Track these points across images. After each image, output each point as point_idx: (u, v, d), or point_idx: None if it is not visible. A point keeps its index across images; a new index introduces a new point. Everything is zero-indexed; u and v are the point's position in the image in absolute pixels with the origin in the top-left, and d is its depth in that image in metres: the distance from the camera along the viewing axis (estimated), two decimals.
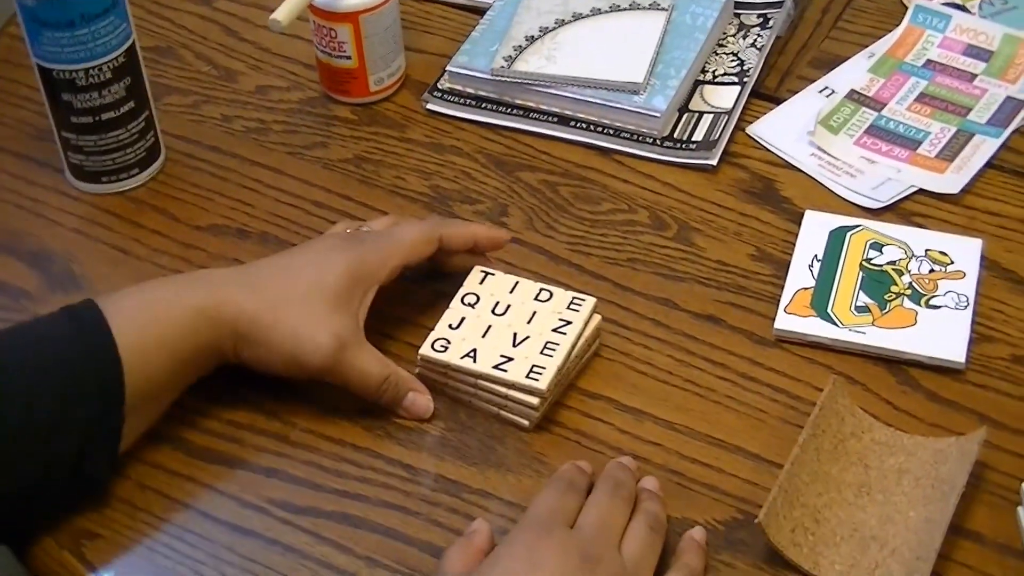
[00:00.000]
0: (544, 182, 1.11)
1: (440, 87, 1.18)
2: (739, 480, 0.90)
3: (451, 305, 0.96)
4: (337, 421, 0.94)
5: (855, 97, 1.15)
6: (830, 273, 1.01)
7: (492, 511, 0.89)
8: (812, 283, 1.01)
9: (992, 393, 0.95)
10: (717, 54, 1.19)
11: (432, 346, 0.94)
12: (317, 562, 0.87)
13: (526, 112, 1.15)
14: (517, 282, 0.98)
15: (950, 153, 1.10)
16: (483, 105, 1.16)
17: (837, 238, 1.04)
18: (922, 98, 1.15)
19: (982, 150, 1.10)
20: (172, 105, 1.18)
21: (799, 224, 1.05)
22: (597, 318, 0.97)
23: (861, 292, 1.00)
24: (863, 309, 0.99)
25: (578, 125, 1.14)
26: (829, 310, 0.99)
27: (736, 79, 1.16)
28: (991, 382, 0.95)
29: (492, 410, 0.94)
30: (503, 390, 0.93)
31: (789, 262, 1.03)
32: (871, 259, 1.02)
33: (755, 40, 1.20)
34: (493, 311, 0.96)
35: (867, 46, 1.20)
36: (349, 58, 1.15)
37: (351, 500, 0.90)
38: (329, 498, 0.90)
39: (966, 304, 0.99)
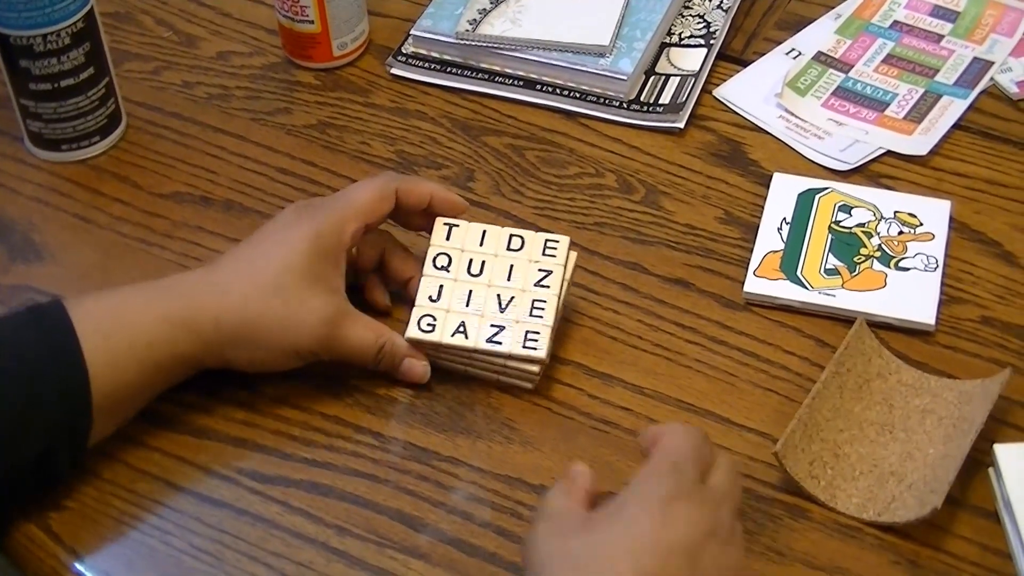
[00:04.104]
0: (510, 146, 1.10)
1: (404, 51, 1.17)
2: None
3: (424, 272, 0.94)
4: (305, 389, 0.94)
5: (822, 59, 1.14)
6: (799, 236, 1.01)
7: (462, 478, 0.89)
8: (781, 246, 1.00)
9: (961, 354, 0.95)
10: (683, 16, 1.18)
11: (419, 326, 0.92)
12: (287, 531, 0.86)
13: (491, 76, 1.14)
14: (485, 231, 0.95)
15: (918, 115, 1.10)
16: (448, 69, 1.15)
17: (806, 201, 1.03)
18: (889, 59, 1.14)
19: (950, 111, 1.10)
20: (132, 71, 1.17)
21: (767, 187, 1.05)
22: (573, 255, 0.95)
23: (830, 254, 1.00)
24: (832, 271, 0.99)
25: (544, 89, 1.13)
26: (798, 273, 0.99)
27: (702, 41, 1.16)
28: (960, 343, 0.95)
29: (491, 377, 0.93)
30: (501, 360, 0.92)
31: (758, 225, 1.02)
32: (840, 221, 1.02)
33: (721, 2, 1.19)
34: (469, 271, 0.94)
35: (833, 7, 1.20)
36: (312, 23, 1.13)
37: (320, 469, 0.90)
38: (298, 467, 0.90)
39: (935, 266, 0.99)
